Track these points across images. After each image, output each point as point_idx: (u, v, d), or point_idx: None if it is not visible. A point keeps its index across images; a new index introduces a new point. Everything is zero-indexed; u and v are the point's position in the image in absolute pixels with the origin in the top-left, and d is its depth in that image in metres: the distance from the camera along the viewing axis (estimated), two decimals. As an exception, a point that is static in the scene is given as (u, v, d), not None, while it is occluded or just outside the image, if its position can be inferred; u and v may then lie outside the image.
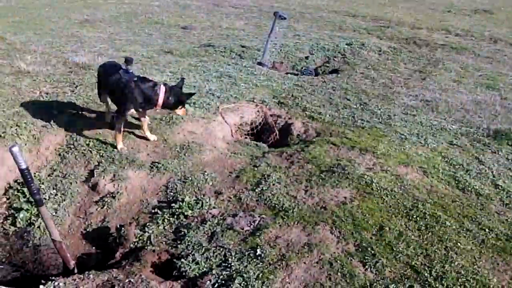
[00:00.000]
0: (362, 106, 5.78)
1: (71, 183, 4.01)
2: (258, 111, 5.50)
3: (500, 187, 3.99)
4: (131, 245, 3.32)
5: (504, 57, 8.85)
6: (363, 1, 15.86)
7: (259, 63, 7.54)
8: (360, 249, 3.08)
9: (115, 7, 13.02)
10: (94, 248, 3.59)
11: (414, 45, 9.63)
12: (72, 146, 4.37)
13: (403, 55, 8.41)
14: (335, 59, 8.08)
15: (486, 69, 7.88)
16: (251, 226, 3.29)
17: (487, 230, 3.37)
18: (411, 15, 13.28)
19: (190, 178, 4.03)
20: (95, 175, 4.05)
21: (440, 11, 14.46)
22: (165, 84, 4.32)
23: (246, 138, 5.32)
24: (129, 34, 9.71)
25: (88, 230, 3.69)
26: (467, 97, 6.33)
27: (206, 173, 4.12)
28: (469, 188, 3.92)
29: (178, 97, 4.29)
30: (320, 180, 3.92)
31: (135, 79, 4.20)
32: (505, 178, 4.15)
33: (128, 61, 4.54)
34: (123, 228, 3.45)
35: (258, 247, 3.05)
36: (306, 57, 8.24)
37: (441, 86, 6.80)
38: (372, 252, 3.05)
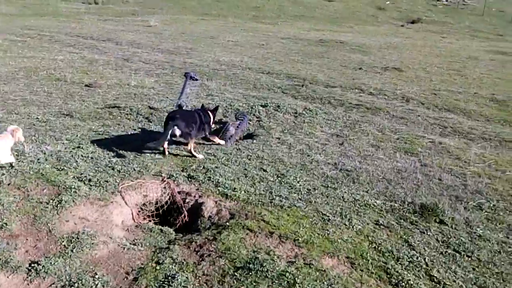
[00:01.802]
0: (279, 178, 5.30)
1: None
2: (164, 187, 4.85)
3: (435, 279, 3.58)
4: None
5: (418, 117, 8.83)
6: (277, 57, 15.84)
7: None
8: None
9: (15, 61, 12.00)
10: None
11: (329, 105, 9.45)
12: None
13: (319, 117, 8.14)
14: (250, 122, 7.62)
15: (402, 131, 7.75)
16: None
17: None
18: (324, 73, 13.31)
19: (76, 284, 3.27)
20: None
21: (352, 69, 14.65)
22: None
23: (150, 221, 4.63)
24: (26, 93, 8.81)
25: None
26: (387, 165, 6.06)
27: (97, 276, 3.38)
28: (403, 283, 3.46)
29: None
30: (235, 282, 3.32)
31: None
32: (439, 266, 3.75)
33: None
34: None
35: None
36: (220, 120, 7.73)
37: (360, 152, 6.51)
38: None
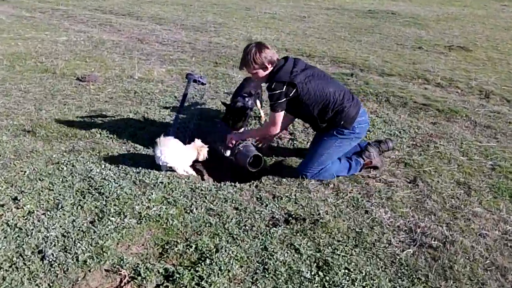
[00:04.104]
0: (321, 271, 3.17)
1: None
2: (119, 304, 2.76)
3: None
4: None
5: (509, 126, 6.43)
6: (320, 34, 13.46)
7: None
8: None
9: (8, 45, 10.10)
10: None
11: (388, 105, 7.15)
12: None
13: (377, 130, 5.89)
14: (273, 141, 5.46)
15: (495, 153, 5.45)
16: None
17: None
18: (377, 55, 10.88)
19: None
20: None
21: (409, 48, 12.14)
22: None
23: None
24: (-3, 91, 6.86)
25: None
26: (491, 228, 3.85)
27: None
28: None
29: None
30: None
31: None
32: None
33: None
34: None
35: None
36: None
37: (444, 200, 4.27)
38: None
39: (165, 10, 16.43)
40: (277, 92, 4.27)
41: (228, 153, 4.82)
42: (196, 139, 4.72)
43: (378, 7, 19.28)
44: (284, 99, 4.31)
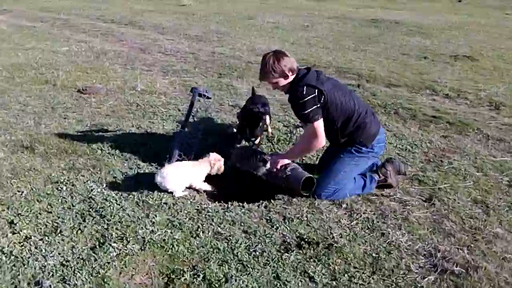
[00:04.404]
0: None
1: None
2: None
3: None
4: None
5: (522, 139, 6.21)
6: (324, 43, 13.28)
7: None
8: None
9: (8, 56, 9.93)
10: None
11: (397, 117, 6.95)
12: None
13: (388, 145, 5.66)
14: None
15: (511, 168, 5.27)
16: None
17: None
18: (382, 65, 10.70)
19: None
20: None
21: (415, 58, 11.96)
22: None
23: None
24: (-6, 105, 6.68)
25: None
26: (514, 251, 3.60)
27: None
28: None
29: None
30: None
31: None
32: None
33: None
34: None
35: None
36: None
37: (462, 220, 4.09)
38: None
39: (168, 19, 16.30)
40: (310, 97, 4.01)
41: (260, 172, 4.54)
42: (211, 153, 4.50)
43: (381, 16, 19.13)
44: (319, 104, 4.05)
